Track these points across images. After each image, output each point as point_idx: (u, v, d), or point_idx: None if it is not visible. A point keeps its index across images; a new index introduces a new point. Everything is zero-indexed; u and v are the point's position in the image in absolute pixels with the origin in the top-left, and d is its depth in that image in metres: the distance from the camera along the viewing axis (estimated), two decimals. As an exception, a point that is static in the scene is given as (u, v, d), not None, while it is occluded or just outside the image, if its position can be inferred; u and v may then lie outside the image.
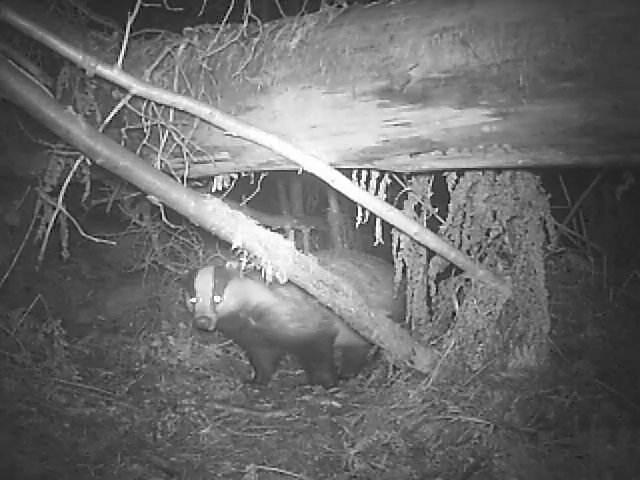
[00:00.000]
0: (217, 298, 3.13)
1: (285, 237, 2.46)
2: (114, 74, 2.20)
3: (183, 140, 2.53)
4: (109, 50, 2.84)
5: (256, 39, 2.44)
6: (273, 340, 3.33)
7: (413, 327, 2.94)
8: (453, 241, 2.78)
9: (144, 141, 2.54)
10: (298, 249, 2.46)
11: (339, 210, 4.54)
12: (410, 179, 2.74)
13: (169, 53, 2.58)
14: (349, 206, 3.55)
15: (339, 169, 2.38)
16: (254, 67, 2.43)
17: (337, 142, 2.34)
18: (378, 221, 2.58)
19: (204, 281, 3.15)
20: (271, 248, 2.36)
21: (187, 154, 2.55)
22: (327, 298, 2.52)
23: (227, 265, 3.21)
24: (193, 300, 3.17)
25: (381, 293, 3.38)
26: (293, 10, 2.52)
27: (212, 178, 2.88)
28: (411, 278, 2.90)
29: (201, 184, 3.09)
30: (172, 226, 2.79)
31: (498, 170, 2.63)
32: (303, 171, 2.39)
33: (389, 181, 2.58)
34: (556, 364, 2.69)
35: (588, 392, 2.51)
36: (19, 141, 3.23)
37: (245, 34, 2.45)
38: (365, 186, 2.53)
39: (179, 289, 3.94)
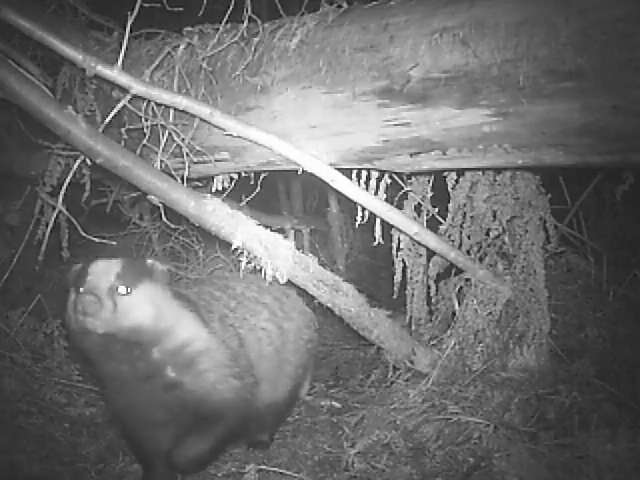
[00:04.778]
0: (122, 288, 2.08)
1: (285, 237, 2.47)
2: (114, 74, 2.19)
3: (183, 140, 2.53)
4: (109, 50, 2.84)
5: (256, 39, 2.44)
6: (185, 405, 2.20)
7: (413, 327, 2.95)
8: (453, 241, 2.78)
9: (144, 141, 2.54)
10: (298, 249, 2.46)
11: (339, 210, 4.54)
12: (410, 179, 2.74)
13: (169, 53, 2.58)
14: (349, 206, 3.55)
15: (339, 169, 2.38)
16: (254, 67, 2.43)
17: (337, 142, 2.34)
18: (378, 221, 2.58)
19: (104, 267, 2.13)
20: (271, 248, 2.36)
21: (187, 154, 2.55)
22: (327, 298, 2.52)
23: (149, 262, 2.25)
24: (79, 290, 2.07)
25: None
26: (293, 10, 2.52)
27: (212, 178, 2.88)
28: (411, 278, 2.91)
29: (201, 184, 3.08)
30: (172, 226, 2.78)
31: (498, 170, 2.63)
32: (303, 171, 2.39)
33: (389, 181, 2.58)
34: (556, 364, 2.69)
35: (588, 392, 2.51)
36: (19, 141, 3.23)
37: (245, 34, 2.45)
38: (365, 186, 2.54)
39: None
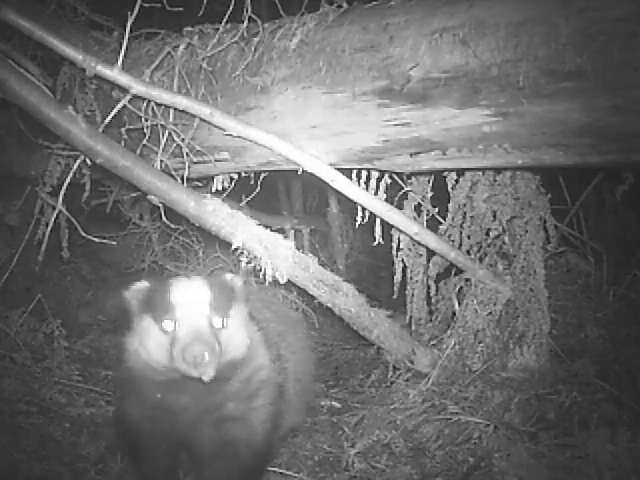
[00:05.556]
0: (217, 320, 1.80)
1: (285, 237, 2.47)
2: (114, 74, 2.20)
3: (183, 140, 2.53)
4: (109, 50, 2.84)
5: (256, 39, 2.45)
6: (229, 441, 1.95)
7: (413, 327, 2.95)
8: (453, 241, 2.78)
9: (144, 141, 2.54)
10: (298, 249, 2.46)
11: (339, 210, 4.54)
12: (410, 179, 2.74)
13: (169, 53, 2.58)
14: (349, 206, 3.55)
15: (339, 169, 2.39)
16: (254, 67, 2.43)
17: (337, 142, 2.34)
18: (378, 221, 2.58)
19: (193, 291, 1.83)
20: (271, 248, 2.36)
21: (187, 154, 2.55)
22: (327, 298, 2.52)
23: (229, 277, 1.98)
24: (169, 324, 1.77)
25: None
26: (293, 10, 2.52)
27: (212, 178, 2.88)
28: (411, 278, 2.91)
29: (201, 184, 3.08)
30: (172, 226, 2.79)
31: (498, 170, 2.63)
32: (303, 171, 2.39)
33: (389, 181, 2.58)
34: (556, 364, 2.69)
35: (588, 392, 2.51)
36: (19, 141, 3.23)
37: (245, 34, 2.45)
38: (365, 186, 2.54)
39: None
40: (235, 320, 1.84)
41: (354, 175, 2.53)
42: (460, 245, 2.78)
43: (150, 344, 1.80)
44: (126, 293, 1.90)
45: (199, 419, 1.89)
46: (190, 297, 1.80)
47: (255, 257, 2.37)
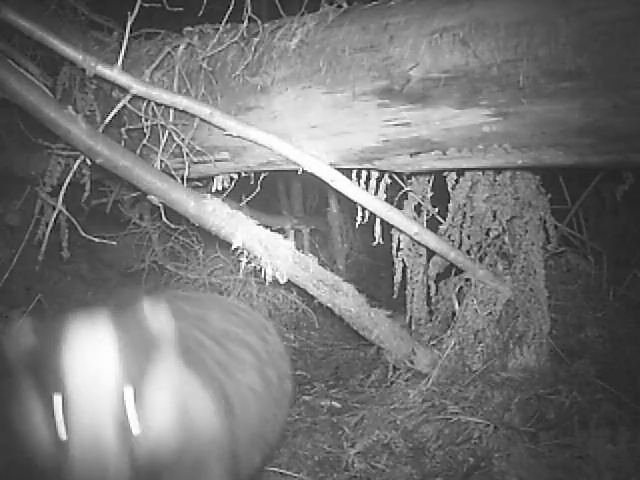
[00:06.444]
0: (130, 392, 1.18)
1: (285, 237, 2.47)
2: (114, 74, 2.20)
3: (183, 140, 2.53)
4: (109, 50, 2.84)
5: (256, 39, 2.45)
6: None
7: (413, 327, 2.95)
8: (453, 241, 2.78)
9: (144, 141, 2.54)
10: (298, 249, 2.46)
11: (339, 210, 4.55)
12: (410, 179, 2.74)
13: (169, 53, 2.58)
14: (349, 206, 3.55)
15: (339, 169, 2.38)
16: (254, 67, 2.43)
17: (337, 142, 2.34)
18: (378, 221, 2.58)
19: (94, 356, 1.18)
20: (271, 248, 2.36)
21: (187, 154, 2.55)
22: (327, 298, 2.52)
23: (147, 309, 1.28)
24: (56, 408, 1.14)
25: None
26: (293, 10, 2.52)
27: (212, 178, 2.88)
28: (411, 278, 2.91)
29: (201, 184, 3.08)
30: (172, 226, 2.78)
31: (498, 170, 2.63)
32: (303, 171, 2.39)
33: (389, 181, 2.58)
34: (556, 364, 2.70)
35: (588, 392, 2.51)
36: (19, 141, 3.23)
37: (245, 34, 2.45)
38: (365, 186, 2.54)
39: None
40: (158, 385, 1.26)
41: (354, 175, 2.53)
42: (460, 245, 2.78)
43: (30, 426, 1.20)
44: (3, 337, 1.24)
45: None
46: (89, 366, 1.17)
47: (255, 257, 2.37)
